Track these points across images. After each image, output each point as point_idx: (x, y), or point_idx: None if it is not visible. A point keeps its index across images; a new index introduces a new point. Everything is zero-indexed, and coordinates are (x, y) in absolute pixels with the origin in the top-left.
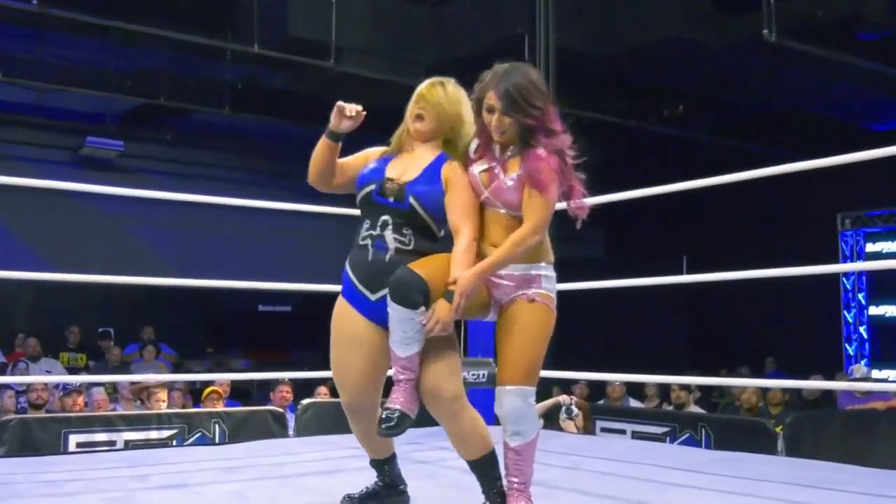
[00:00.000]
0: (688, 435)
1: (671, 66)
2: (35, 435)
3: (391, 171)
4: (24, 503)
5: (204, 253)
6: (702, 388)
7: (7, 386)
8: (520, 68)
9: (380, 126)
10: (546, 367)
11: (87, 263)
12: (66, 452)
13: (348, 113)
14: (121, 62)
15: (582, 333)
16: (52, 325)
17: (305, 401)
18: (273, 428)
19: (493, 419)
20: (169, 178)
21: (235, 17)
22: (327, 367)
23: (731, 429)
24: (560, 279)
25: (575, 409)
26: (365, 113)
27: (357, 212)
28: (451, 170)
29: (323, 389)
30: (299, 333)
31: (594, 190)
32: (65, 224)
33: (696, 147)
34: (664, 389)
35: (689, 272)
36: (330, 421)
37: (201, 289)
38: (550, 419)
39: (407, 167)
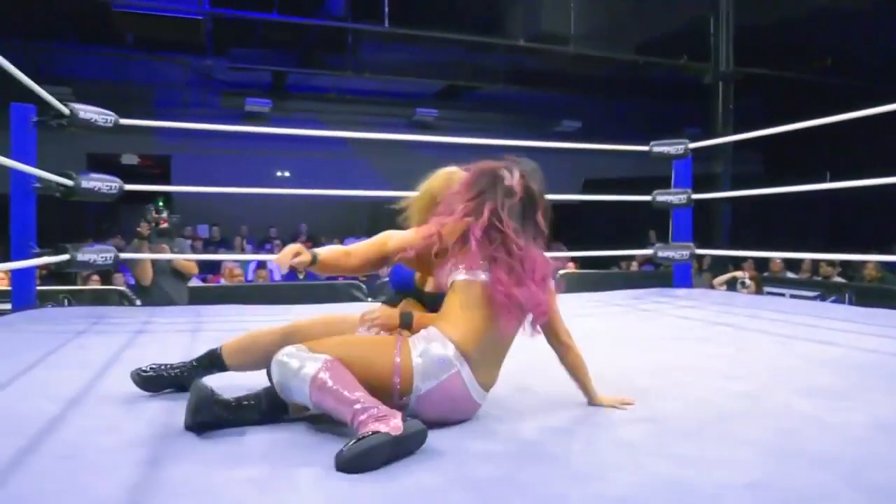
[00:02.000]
0: (835, 297)
1: (819, 29)
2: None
3: None
4: None
5: None
6: (842, 265)
7: None
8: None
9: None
10: (727, 248)
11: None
12: None
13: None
14: (434, 57)
15: (752, 230)
16: (400, 226)
17: (561, 271)
18: None
19: (690, 283)
20: (466, 132)
21: (505, 18)
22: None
23: (869, 293)
24: (733, 189)
25: (748, 281)
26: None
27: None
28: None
29: (570, 264)
30: (553, 231)
31: (759, 125)
32: (402, 164)
33: (838, 90)
34: (814, 266)
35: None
36: None
37: None
38: (730, 287)
39: None
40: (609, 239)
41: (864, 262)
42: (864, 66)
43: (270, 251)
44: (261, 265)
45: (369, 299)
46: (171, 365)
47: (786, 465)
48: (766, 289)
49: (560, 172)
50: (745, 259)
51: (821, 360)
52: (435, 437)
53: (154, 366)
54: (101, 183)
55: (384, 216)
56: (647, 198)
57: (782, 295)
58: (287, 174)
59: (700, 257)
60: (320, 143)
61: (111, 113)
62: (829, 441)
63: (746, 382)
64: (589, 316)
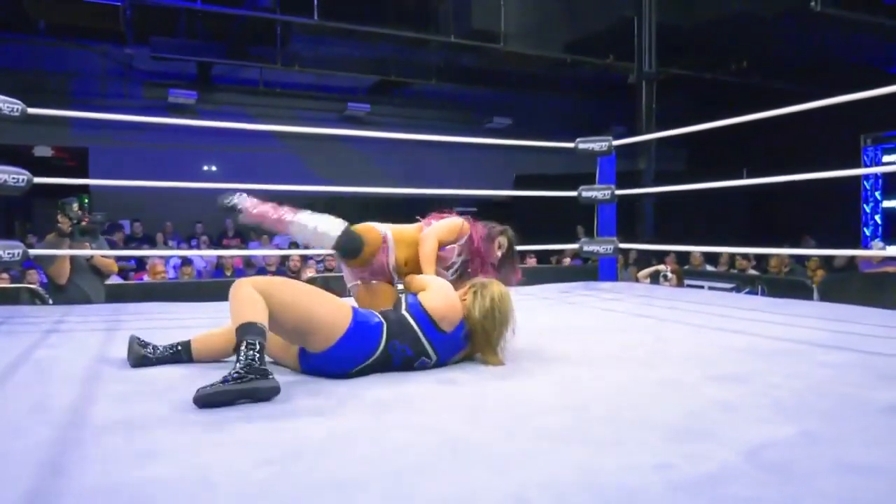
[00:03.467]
0: (748, 289)
1: (738, 32)
2: (331, 286)
3: None
4: None
5: (418, 174)
6: (757, 258)
7: (311, 258)
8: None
9: (522, 85)
10: (651, 242)
11: (348, 182)
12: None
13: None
14: (365, 52)
15: (674, 224)
16: None
17: None
18: None
19: (615, 277)
20: (398, 128)
21: (438, 14)
22: None
23: (780, 285)
24: (656, 185)
25: (669, 275)
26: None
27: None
28: None
29: None
30: None
31: (681, 124)
32: (334, 159)
33: (755, 91)
34: (731, 259)
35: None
36: None
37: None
38: (653, 280)
39: None
40: (540, 234)
41: (770, 256)
42: (780, 68)
43: (196, 247)
44: (186, 261)
45: None
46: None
47: (692, 446)
48: (687, 281)
49: (492, 168)
50: (668, 253)
51: (730, 347)
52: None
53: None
54: (7, 175)
55: (318, 211)
56: (574, 193)
57: (701, 287)
58: (214, 169)
59: (625, 251)
60: (249, 138)
61: (17, 101)
62: (732, 422)
63: (662, 370)
64: (518, 310)
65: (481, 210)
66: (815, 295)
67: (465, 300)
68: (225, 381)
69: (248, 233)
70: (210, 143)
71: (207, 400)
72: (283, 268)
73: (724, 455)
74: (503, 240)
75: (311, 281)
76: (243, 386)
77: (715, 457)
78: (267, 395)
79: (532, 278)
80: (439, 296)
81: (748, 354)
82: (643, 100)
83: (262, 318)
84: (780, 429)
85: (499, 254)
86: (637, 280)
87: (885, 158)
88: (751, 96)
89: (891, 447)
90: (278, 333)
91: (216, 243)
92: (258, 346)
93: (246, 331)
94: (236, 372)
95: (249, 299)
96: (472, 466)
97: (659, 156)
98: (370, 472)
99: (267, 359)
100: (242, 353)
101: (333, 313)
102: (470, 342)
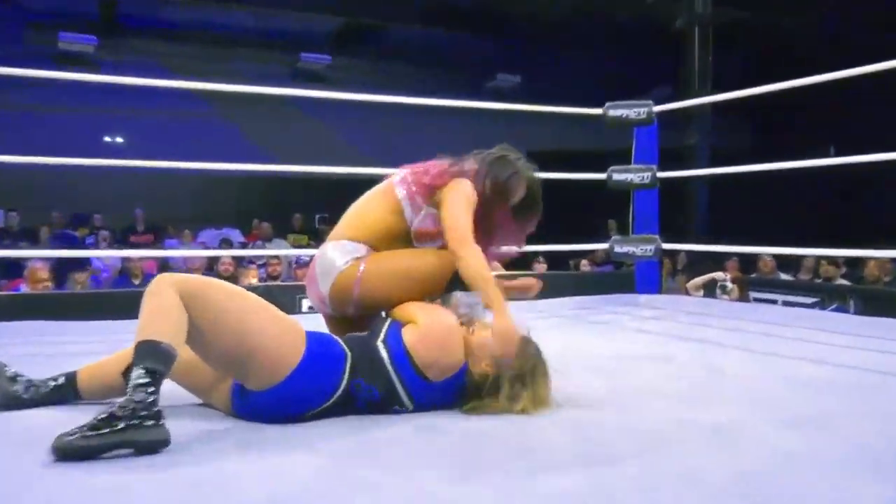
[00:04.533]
0: (836, 305)
1: None
2: (276, 297)
3: None
4: None
5: (396, 150)
6: (848, 263)
7: (250, 261)
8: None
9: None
10: (705, 242)
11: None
12: (300, 312)
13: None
14: None
15: (736, 218)
16: (280, 212)
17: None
18: None
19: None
20: (368, 87)
21: None
22: None
23: (879, 299)
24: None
25: (730, 285)
26: None
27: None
28: None
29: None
30: None
31: (745, 85)
32: (284, 128)
33: (844, 42)
34: (814, 265)
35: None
36: None
37: None
38: (708, 292)
39: None
40: (557, 230)
41: (865, 260)
42: (878, 11)
43: (94, 246)
44: (79, 265)
45: None
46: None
47: None
48: (753, 294)
49: (495, 142)
50: (728, 256)
51: (807, 382)
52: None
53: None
54: None
55: (259, 198)
56: (602, 176)
57: (773, 302)
58: (119, 140)
59: (672, 254)
60: (167, 99)
61: None
62: (808, 484)
63: (715, 412)
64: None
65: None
66: None
67: (472, 335)
68: (93, 425)
69: (165, 227)
70: (114, 106)
71: (69, 452)
72: (210, 273)
73: None
74: (519, 184)
75: (251, 290)
76: (116, 437)
77: None
78: (150, 447)
79: (543, 290)
80: (429, 333)
81: (831, 392)
82: (695, 52)
83: (174, 335)
84: (873, 490)
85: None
86: (687, 292)
87: None
88: (838, 49)
89: None
90: (204, 359)
91: (121, 241)
92: (155, 378)
93: (145, 352)
94: (110, 415)
95: (165, 307)
96: None
97: (716, 127)
98: None
99: (170, 392)
100: (131, 385)
101: (282, 338)
102: (472, 396)
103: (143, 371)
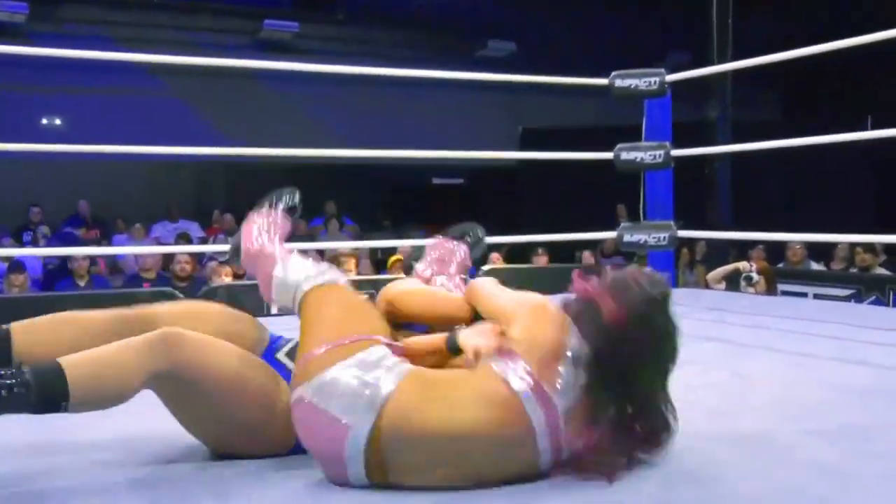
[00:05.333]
0: (875, 297)
1: None
2: (241, 299)
3: None
4: None
5: (375, 129)
6: (888, 250)
7: (211, 257)
8: None
9: None
10: (727, 229)
11: (268, 142)
12: (268, 314)
13: None
14: None
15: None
16: (244, 201)
17: (485, 267)
18: None
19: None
20: (340, 57)
21: None
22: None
23: None
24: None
25: (755, 276)
26: None
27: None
28: None
29: (496, 255)
30: (472, 205)
31: (772, 50)
32: (245, 107)
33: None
34: (850, 253)
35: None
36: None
37: (377, 165)
38: (731, 285)
39: None
40: (558, 218)
41: None
42: None
43: (31, 244)
44: (13, 265)
45: None
46: None
47: None
48: (782, 287)
49: (487, 118)
50: (753, 244)
51: (845, 387)
52: None
53: None
54: None
55: (220, 186)
56: (608, 155)
57: (803, 295)
58: (58, 122)
59: (689, 242)
60: (113, 74)
61: None
62: (848, 500)
63: (741, 422)
64: None
65: (471, 182)
66: None
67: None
68: None
69: (113, 221)
70: (51, 83)
71: None
72: (166, 273)
73: None
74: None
75: (218, 290)
76: None
77: None
78: None
79: (542, 284)
80: None
81: (872, 398)
82: (714, 12)
83: (89, 397)
84: None
85: None
86: (707, 285)
87: None
88: (875, 12)
89: None
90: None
91: (62, 237)
92: (21, 392)
93: (50, 374)
94: None
95: (127, 367)
96: None
97: (740, 99)
98: None
99: None
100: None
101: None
102: None
103: (23, 379)
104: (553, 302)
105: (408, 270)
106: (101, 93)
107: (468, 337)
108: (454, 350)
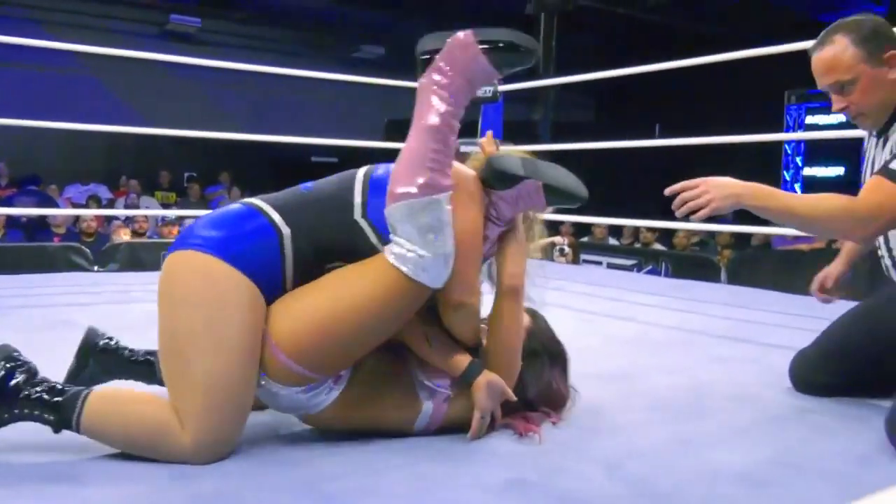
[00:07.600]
0: (651, 266)
1: None
2: (141, 255)
3: None
4: (140, 306)
5: (266, 114)
6: (663, 231)
7: (115, 217)
8: None
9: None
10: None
11: (174, 120)
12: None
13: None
14: None
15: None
16: (148, 169)
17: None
18: None
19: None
20: (238, 52)
21: None
22: None
23: (685, 262)
24: (555, 141)
25: (566, 248)
26: None
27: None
28: None
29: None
30: None
31: (590, 67)
32: (153, 88)
33: (676, 32)
34: (635, 232)
35: (660, 137)
36: None
37: (266, 143)
38: (546, 254)
39: None
40: None
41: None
42: (706, 7)
43: None
44: None
45: (96, 267)
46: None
47: (549, 460)
48: (584, 256)
49: (364, 108)
50: (562, 222)
51: (616, 338)
52: None
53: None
54: None
55: (128, 154)
56: None
57: (599, 264)
58: None
59: None
60: (33, 52)
61: None
62: (610, 427)
63: None
64: None
65: (344, 162)
66: (724, 276)
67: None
68: None
69: (30, 181)
70: None
71: None
72: (74, 229)
73: (582, 468)
74: None
75: (120, 247)
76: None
77: (571, 469)
78: None
79: None
80: None
81: (635, 346)
82: (541, 36)
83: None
84: (653, 432)
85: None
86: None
87: (809, 119)
88: (672, 39)
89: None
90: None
91: None
92: (42, 406)
93: (65, 407)
94: None
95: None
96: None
97: (564, 103)
98: None
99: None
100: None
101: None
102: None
103: (46, 405)
104: None
105: None
106: (22, 69)
107: (481, 399)
108: (467, 383)
